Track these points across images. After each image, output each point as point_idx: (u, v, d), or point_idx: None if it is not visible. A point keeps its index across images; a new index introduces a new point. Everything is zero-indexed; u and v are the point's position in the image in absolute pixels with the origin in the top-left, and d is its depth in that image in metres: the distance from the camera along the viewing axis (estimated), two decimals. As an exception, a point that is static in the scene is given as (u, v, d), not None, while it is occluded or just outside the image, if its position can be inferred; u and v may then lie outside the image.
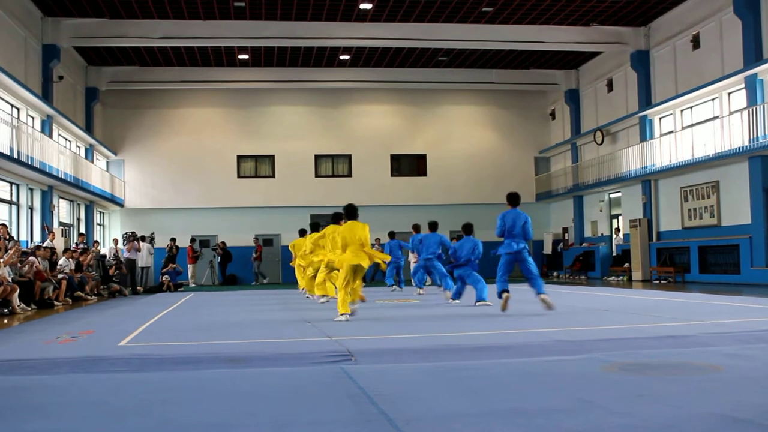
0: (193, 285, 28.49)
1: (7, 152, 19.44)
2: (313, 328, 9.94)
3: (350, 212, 11.68)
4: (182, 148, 32.11)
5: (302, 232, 19.18)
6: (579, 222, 32.09)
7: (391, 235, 22.30)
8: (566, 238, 32.65)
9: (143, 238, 26.86)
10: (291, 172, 32.58)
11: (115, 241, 26.34)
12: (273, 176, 32.78)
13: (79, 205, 28.28)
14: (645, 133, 26.62)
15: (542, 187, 34.23)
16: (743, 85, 21.37)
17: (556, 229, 33.94)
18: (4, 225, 17.90)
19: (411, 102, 33.67)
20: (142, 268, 26.13)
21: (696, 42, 24.14)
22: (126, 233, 27.09)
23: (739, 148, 21.02)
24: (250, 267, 31.94)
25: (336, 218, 13.82)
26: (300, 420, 4.36)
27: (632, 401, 4.61)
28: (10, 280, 14.74)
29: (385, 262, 14.85)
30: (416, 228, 19.27)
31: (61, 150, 24.68)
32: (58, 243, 21.42)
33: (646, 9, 25.21)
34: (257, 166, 32.97)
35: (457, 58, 30.72)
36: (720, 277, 22.57)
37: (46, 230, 22.14)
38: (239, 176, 32.64)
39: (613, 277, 27.32)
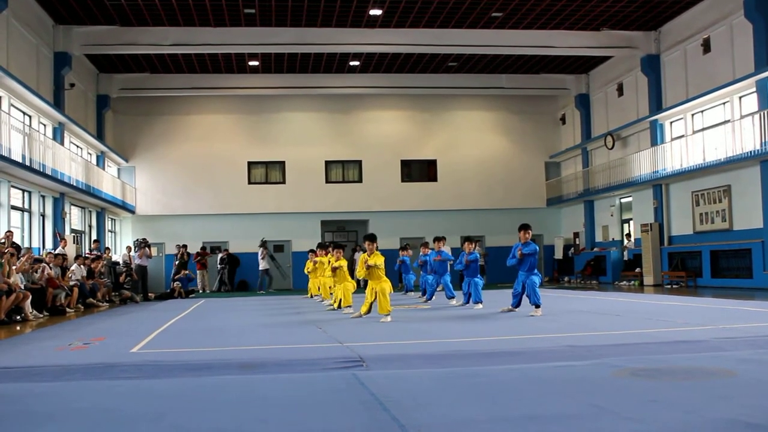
0: (202, 292, 28.45)
1: (20, 160, 19.54)
2: (324, 334, 9.94)
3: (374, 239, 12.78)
4: (193, 154, 32.21)
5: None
6: (590, 227, 32.00)
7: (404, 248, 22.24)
8: (577, 242, 32.56)
9: (265, 245, 29.21)
10: (301, 178, 32.62)
11: (129, 249, 26.44)
12: (283, 182, 32.82)
13: (90, 212, 28.39)
14: (656, 137, 26.54)
15: (553, 192, 34.17)
16: (754, 89, 21.29)
17: (567, 234, 33.88)
18: (10, 231, 18.00)
19: (421, 107, 33.68)
20: (264, 270, 28.78)
21: (707, 46, 24.06)
22: (137, 240, 27.20)
23: (750, 152, 20.94)
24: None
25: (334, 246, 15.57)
26: (312, 427, 4.36)
27: (644, 407, 4.60)
28: (23, 287, 14.81)
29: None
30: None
31: (72, 157, 24.78)
32: (70, 250, 21.52)
33: (656, 13, 25.16)
34: (268, 172, 33.02)
35: (467, 63, 30.71)
36: (732, 282, 22.47)
37: (58, 237, 22.24)
38: (250, 182, 32.69)
39: (624, 282, 27.22)
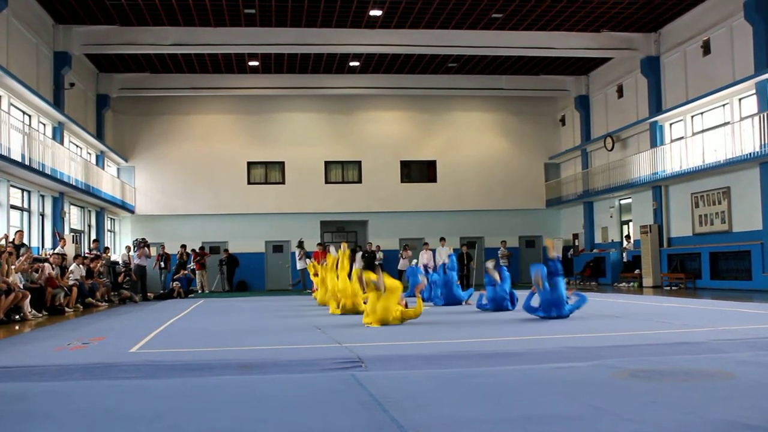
0: (200, 292, 28.39)
1: (19, 159, 19.53)
2: (323, 335, 9.93)
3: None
4: (192, 154, 32.19)
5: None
6: (589, 228, 32.00)
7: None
8: (576, 244, 32.56)
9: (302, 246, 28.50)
10: (301, 178, 32.61)
11: (128, 248, 26.45)
12: (283, 183, 32.81)
13: (90, 211, 28.38)
14: (655, 139, 26.54)
15: (552, 193, 34.17)
16: (754, 91, 21.29)
17: (566, 236, 33.86)
18: (21, 231, 18.26)
19: (421, 108, 33.66)
20: (302, 270, 27.94)
21: (706, 48, 24.07)
22: (136, 240, 27.18)
23: (750, 153, 20.93)
24: (261, 273, 32.09)
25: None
26: (311, 427, 4.35)
27: (644, 408, 4.59)
28: (21, 287, 14.80)
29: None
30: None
31: (72, 157, 24.77)
32: (69, 249, 21.50)
33: (656, 15, 25.16)
34: (267, 172, 33.01)
35: (467, 64, 30.71)
36: (731, 284, 22.46)
37: (57, 237, 22.23)
38: (249, 183, 32.68)
39: (623, 284, 27.22)
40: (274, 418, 4.60)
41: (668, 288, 24.30)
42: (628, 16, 25.18)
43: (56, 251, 19.87)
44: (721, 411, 4.49)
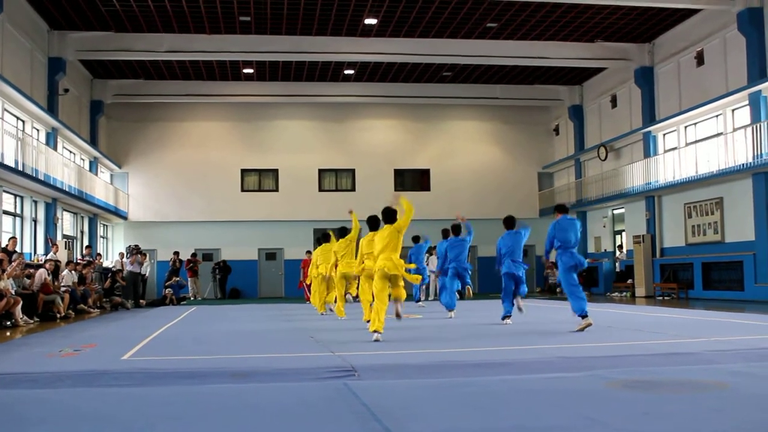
0: (193, 299, 28.34)
1: (12, 164, 19.49)
2: (317, 343, 9.92)
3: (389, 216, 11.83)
4: (186, 161, 32.14)
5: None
6: (582, 238, 31.99)
7: (416, 239, 22.26)
8: (570, 253, 32.53)
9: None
10: (295, 186, 32.58)
11: (121, 255, 26.36)
12: (276, 190, 32.78)
13: (82, 217, 28.30)
14: (649, 149, 26.62)
15: (546, 202, 34.20)
16: (747, 102, 21.39)
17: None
18: (14, 238, 18.24)
19: (415, 117, 33.70)
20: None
21: (700, 59, 24.17)
22: (129, 246, 27.12)
23: (743, 164, 21.01)
24: (254, 280, 32.02)
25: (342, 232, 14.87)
26: (303, 436, 4.35)
27: (637, 419, 4.59)
28: (13, 293, 14.74)
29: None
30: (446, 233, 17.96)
31: (65, 162, 24.72)
32: (62, 256, 21.43)
33: (650, 26, 25.26)
34: (261, 179, 32.99)
35: (462, 73, 30.76)
36: (724, 294, 22.50)
37: (50, 243, 22.16)
38: (243, 190, 32.64)
39: (616, 293, 27.25)
40: (267, 427, 4.59)
41: (661, 298, 24.33)
42: (622, 26, 25.28)
43: (49, 257, 19.82)
44: (713, 422, 4.49)
